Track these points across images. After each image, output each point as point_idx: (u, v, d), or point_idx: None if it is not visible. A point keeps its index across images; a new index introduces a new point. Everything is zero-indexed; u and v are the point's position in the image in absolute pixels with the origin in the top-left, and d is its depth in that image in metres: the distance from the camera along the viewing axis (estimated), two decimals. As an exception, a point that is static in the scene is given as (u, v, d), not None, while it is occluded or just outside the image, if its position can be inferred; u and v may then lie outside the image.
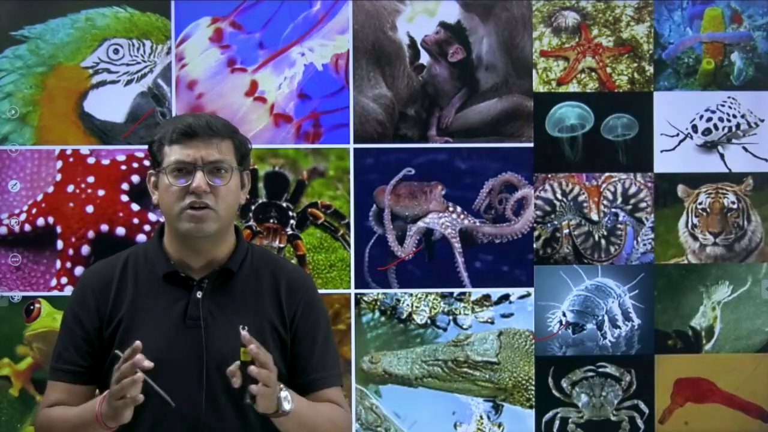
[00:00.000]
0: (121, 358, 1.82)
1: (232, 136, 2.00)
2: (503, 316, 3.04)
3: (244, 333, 1.82)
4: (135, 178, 2.96)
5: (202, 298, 1.98)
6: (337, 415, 2.04)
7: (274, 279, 2.05)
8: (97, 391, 2.05)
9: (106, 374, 1.98)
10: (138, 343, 1.80)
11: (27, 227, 2.95)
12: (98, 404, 1.87)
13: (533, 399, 3.04)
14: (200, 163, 1.93)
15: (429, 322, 3.03)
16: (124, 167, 2.96)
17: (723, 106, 3.07)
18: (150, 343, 1.93)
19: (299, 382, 2.04)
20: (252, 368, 1.79)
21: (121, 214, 2.96)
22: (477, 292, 3.03)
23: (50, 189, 2.95)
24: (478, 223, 3.03)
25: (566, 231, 3.05)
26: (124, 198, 2.96)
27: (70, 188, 2.95)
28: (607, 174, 3.06)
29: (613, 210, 3.07)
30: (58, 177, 2.95)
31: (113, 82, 2.95)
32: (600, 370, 3.06)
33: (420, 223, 3.03)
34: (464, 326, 3.03)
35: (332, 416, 2.03)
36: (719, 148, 3.08)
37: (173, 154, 1.95)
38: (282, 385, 1.89)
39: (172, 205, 1.95)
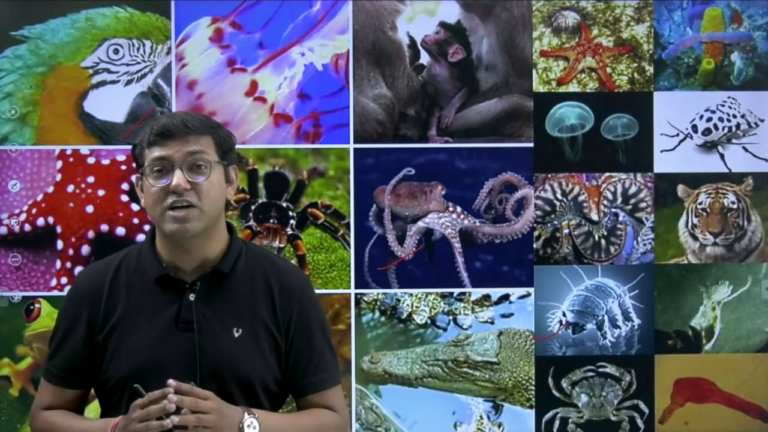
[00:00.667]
0: (146, 397, 1.81)
1: (210, 131, 1.97)
2: (503, 316, 3.04)
3: (170, 381, 1.82)
4: (135, 178, 2.95)
5: (195, 301, 1.96)
6: (327, 423, 2.03)
7: (267, 280, 2.03)
8: (95, 396, 2.05)
9: (102, 380, 1.98)
10: (170, 388, 1.80)
11: (27, 227, 2.95)
12: (110, 430, 1.87)
13: (533, 399, 3.04)
14: (178, 161, 1.91)
15: (429, 322, 3.03)
16: (124, 167, 2.96)
17: (723, 106, 3.07)
18: (143, 347, 1.94)
19: (298, 385, 2.04)
20: (174, 418, 1.79)
21: (121, 214, 2.96)
22: (477, 292, 3.03)
23: (50, 189, 2.95)
24: (478, 223, 3.03)
25: (566, 231, 3.05)
26: (124, 198, 2.96)
27: (70, 188, 2.95)
28: (607, 174, 3.06)
29: (613, 210, 3.07)
30: (58, 177, 2.95)
31: (113, 82, 2.95)
32: (600, 370, 3.06)
33: (420, 223, 3.03)
34: (464, 326, 3.03)
35: (321, 425, 2.02)
36: (719, 148, 3.08)
37: (152, 154, 1.93)
38: (249, 412, 1.89)
39: (154, 206, 1.93)
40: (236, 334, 1.97)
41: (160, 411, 1.78)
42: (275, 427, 1.92)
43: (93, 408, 2.10)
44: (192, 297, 1.96)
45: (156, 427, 1.79)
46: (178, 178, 1.90)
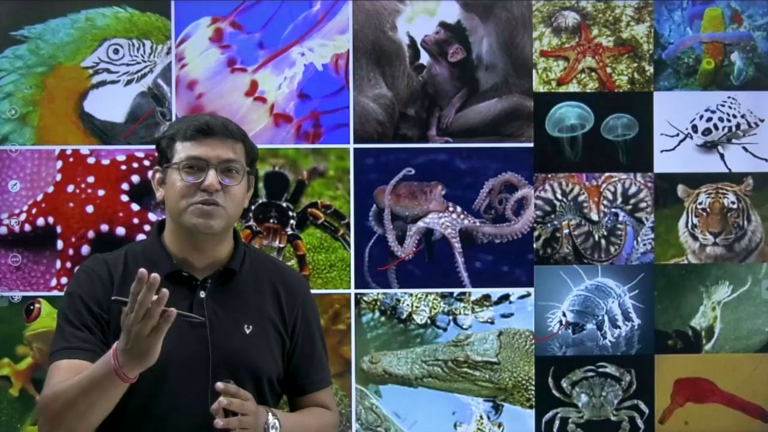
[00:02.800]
0: (132, 288, 1.70)
1: (244, 139, 2.02)
2: (503, 316, 3.04)
3: (219, 384, 1.82)
4: (135, 178, 2.96)
5: (206, 298, 1.98)
6: (327, 422, 2.11)
7: (272, 281, 2.08)
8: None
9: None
10: (143, 270, 1.70)
11: (27, 227, 2.95)
12: (112, 358, 1.77)
13: (533, 399, 3.04)
14: (214, 162, 1.94)
15: (429, 322, 3.03)
16: (124, 167, 2.96)
17: (723, 106, 3.07)
18: None
19: (298, 383, 2.09)
20: (222, 399, 1.81)
21: (121, 214, 2.96)
22: (477, 292, 3.03)
23: (50, 189, 2.95)
24: (478, 223, 3.03)
25: (566, 231, 3.05)
26: (124, 198, 2.96)
27: (70, 188, 2.95)
28: (607, 174, 3.06)
29: (613, 210, 3.07)
30: (58, 177, 2.95)
31: (113, 82, 2.95)
32: (600, 370, 3.06)
33: (420, 223, 3.03)
34: (464, 326, 3.03)
35: (322, 425, 2.10)
36: (719, 148, 3.08)
37: (187, 150, 1.94)
38: (272, 412, 1.93)
39: (179, 200, 1.94)
40: (247, 331, 2.00)
41: (150, 293, 1.69)
42: (291, 427, 1.97)
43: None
44: (203, 294, 1.98)
45: (158, 314, 1.70)
46: (212, 178, 1.92)
